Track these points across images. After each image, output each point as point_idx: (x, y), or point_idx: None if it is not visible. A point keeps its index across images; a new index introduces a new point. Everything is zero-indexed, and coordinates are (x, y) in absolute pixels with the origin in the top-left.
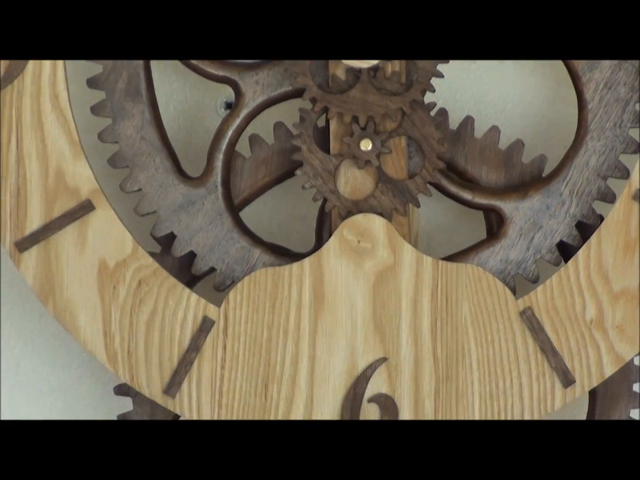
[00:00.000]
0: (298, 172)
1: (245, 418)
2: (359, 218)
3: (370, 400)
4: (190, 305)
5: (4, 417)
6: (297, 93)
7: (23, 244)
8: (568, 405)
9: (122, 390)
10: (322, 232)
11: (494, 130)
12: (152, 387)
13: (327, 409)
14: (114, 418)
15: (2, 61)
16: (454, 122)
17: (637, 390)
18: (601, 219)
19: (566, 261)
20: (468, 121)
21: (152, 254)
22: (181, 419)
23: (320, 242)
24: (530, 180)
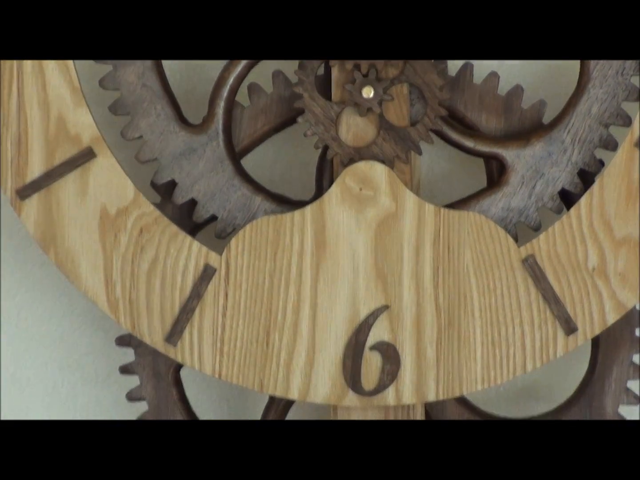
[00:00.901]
0: (299, 119)
1: (246, 366)
2: (360, 165)
3: (372, 348)
4: (191, 253)
5: (5, 364)
6: None
7: (24, 192)
8: (570, 352)
9: (124, 341)
10: (322, 180)
11: (493, 76)
12: (153, 335)
13: (329, 357)
14: (116, 369)
15: None
16: (453, 68)
17: (639, 335)
18: (602, 163)
19: (568, 209)
20: (467, 67)
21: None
22: (183, 367)
23: (320, 190)
24: (532, 128)
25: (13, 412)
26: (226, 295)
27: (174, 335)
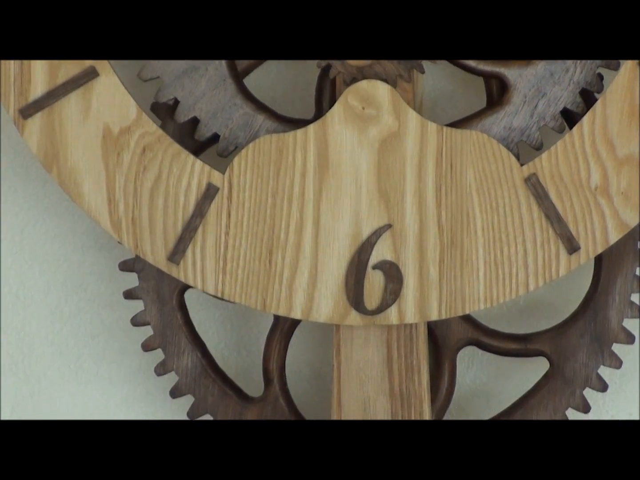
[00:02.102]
0: None
1: (249, 285)
2: (363, 84)
3: (375, 267)
4: (194, 171)
5: (7, 283)
6: None
7: (27, 111)
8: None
9: (127, 266)
10: (322, 100)
11: None
12: (156, 254)
13: (332, 276)
14: (119, 289)
15: None
16: None
17: None
18: (601, 77)
19: (570, 128)
20: None
21: None
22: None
23: (320, 110)
24: None
25: (15, 331)
26: (229, 214)
27: (176, 254)
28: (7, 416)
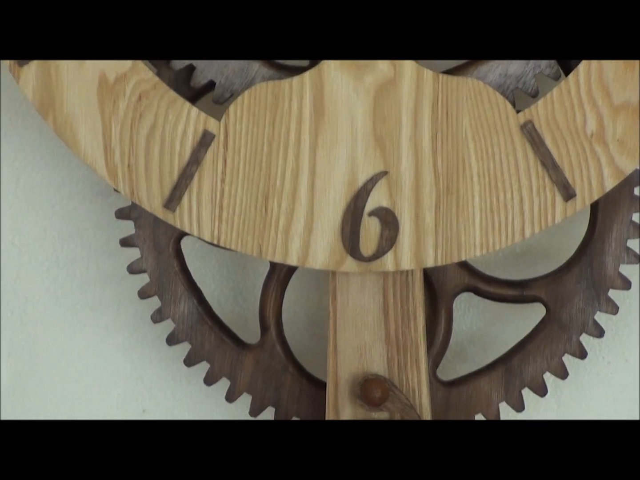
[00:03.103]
0: None
1: (245, 232)
2: None
3: (370, 214)
4: (190, 119)
5: (4, 231)
6: None
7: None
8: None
9: (124, 214)
10: None
11: None
12: (152, 201)
13: (327, 222)
14: (116, 241)
15: None
16: None
17: (638, 194)
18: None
19: (566, 76)
20: None
21: None
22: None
23: None
24: None
25: (12, 279)
26: (225, 161)
27: (172, 201)
28: (4, 361)
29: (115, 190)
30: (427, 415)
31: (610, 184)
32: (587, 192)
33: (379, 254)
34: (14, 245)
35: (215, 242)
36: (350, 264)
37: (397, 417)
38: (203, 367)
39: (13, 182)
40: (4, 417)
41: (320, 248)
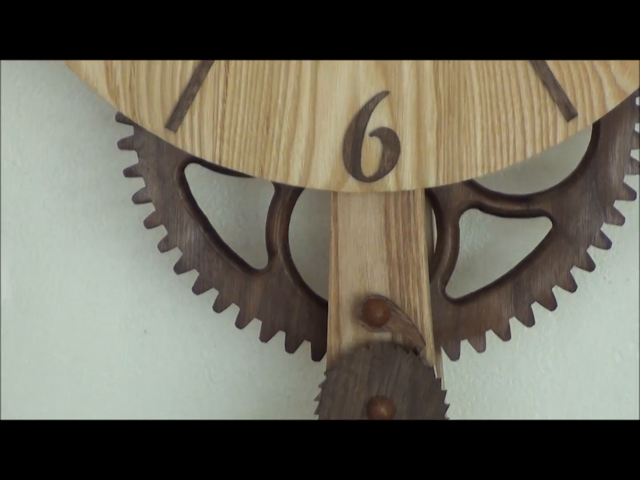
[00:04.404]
0: None
1: (247, 152)
2: None
3: (372, 134)
4: None
5: (5, 151)
6: None
7: None
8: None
9: (126, 143)
10: None
11: None
12: (154, 122)
13: (329, 143)
14: (120, 170)
15: None
16: None
17: (639, 104)
18: None
19: None
20: None
21: None
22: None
23: None
24: None
25: (13, 199)
26: (226, 81)
27: (174, 121)
28: (6, 281)
29: (118, 120)
30: (428, 336)
31: (611, 103)
32: (589, 112)
33: (381, 174)
34: (15, 165)
35: (217, 162)
36: (351, 185)
37: (399, 337)
38: (210, 293)
39: (14, 101)
40: (5, 336)
41: (321, 168)
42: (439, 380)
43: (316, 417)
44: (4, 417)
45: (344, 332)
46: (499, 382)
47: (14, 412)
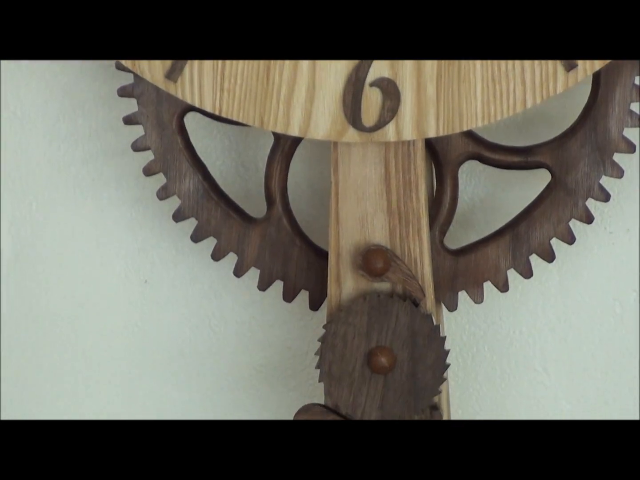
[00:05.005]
0: None
1: (247, 102)
2: None
3: (372, 85)
4: None
5: (5, 102)
6: None
7: None
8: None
9: (126, 91)
10: None
11: None
12: (154, 72)
13: (329, 93)
14: (119, 118)
15: None
16: None
17: None
18: None
19: None
20: None
21: None
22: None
23: None
24: None
25: (13, 150)
26: None
27: (174, 71)
28: (6, 232)
29: (118, 68)
30: (429, 286)
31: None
32: (589, 63)
33: (381, 124)
34: (15, 116)
35: (217, 112)
36: (351, 135)
37: (399, 287)
38: (210, 242)
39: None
40: (5, 287)
41: (321, 118)
42: (438, 326)
43: (317, 371)
44: (5, 371)
45: (344, 283)
46: (499, 333)
47: (14, 362)
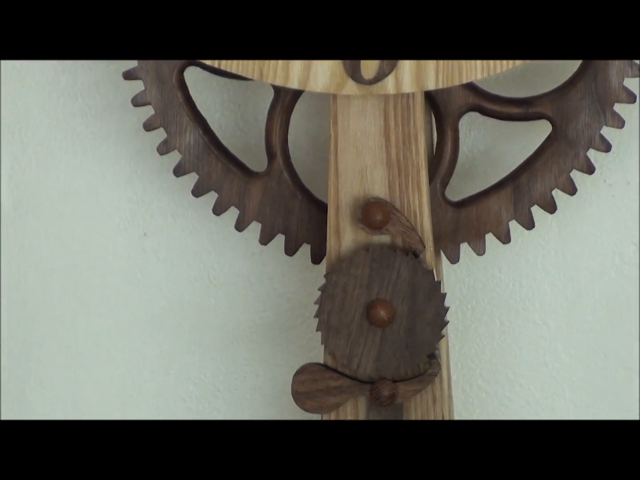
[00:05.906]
0: None
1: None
2: None
3: None
4: None
5: (5, 69)
6: None
7: None
8: None
9: (132, 75)
10: None
11: None
12: None
13: None
14: (119, 72)
15: None
16: None
17: None
18: None
19: None
20: None
21: None
22: None
23: None
24: None
25: (12, 102)
26: None
27: None
28: (5, 185)
29: None
30: (428, 239)
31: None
32: None
33: (380, 77)
34: (14, 69)
35: (216, 65)
36: (351, 87)
37: (399, 240)
38: (210, 196)
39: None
40: (5, 240)
41: (321, 71)
42: (439, 283)
43: (316, 320)
44: (5, 322)
45: (344, 235)
46: (499, 285)
47: (14, 312)
